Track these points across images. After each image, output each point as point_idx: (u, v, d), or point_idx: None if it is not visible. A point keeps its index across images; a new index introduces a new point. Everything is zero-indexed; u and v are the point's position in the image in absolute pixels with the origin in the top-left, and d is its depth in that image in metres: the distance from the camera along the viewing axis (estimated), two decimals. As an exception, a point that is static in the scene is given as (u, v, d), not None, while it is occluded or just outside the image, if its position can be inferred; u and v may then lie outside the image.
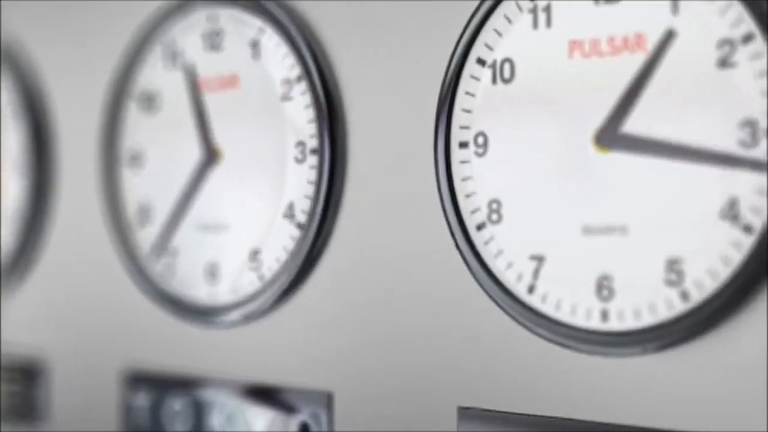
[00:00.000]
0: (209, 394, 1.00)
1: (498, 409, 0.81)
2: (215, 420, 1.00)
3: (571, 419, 0.77)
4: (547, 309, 0.78)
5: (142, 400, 1.06)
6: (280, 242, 0.94)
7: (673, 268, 0.72)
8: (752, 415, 0.70)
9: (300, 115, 0.92)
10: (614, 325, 0.74)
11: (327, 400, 0.90)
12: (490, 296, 0.80)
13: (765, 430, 0.68)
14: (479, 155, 0.82)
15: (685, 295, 0.71)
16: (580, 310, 0.76)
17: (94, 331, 1.08)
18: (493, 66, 0.81)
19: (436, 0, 0.85)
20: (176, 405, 1.03)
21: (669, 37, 0.72)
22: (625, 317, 0.74)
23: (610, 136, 0.75)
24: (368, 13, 0.90)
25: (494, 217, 0.80)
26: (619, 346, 0.74)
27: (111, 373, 1.09)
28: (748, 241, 0.69)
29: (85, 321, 1.11)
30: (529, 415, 0.79)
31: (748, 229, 0.69)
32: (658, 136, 0.73)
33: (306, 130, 0.92)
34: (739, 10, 0.69)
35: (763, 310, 0.69)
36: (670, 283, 0.72)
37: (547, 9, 0.78)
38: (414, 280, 0.86)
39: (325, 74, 0.92)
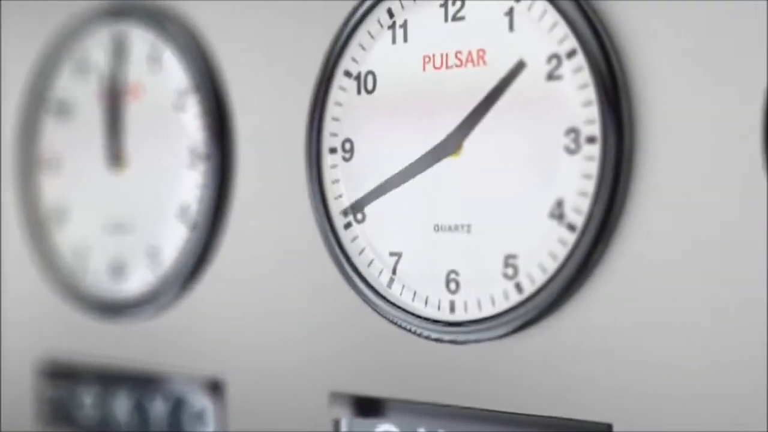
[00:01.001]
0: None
1: (374, 395, 0.87)
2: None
3: (427, 403, 0.84)
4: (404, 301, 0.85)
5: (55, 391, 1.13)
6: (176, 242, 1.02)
7: (509, 263, 0.79)
8: (580, 396, 0.77)
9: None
10: (461, 315, 0.81)
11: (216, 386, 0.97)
12: (355, 289, 0.87)
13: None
14: (346, 160, 0.88)
15: (519, 288, 0.78)
16: (432, 302, 0.83)
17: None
18: (357, 78, 0.88)
19: (306, 19, 0.93)
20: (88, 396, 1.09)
21: (519, 66, 0.79)
22: (469, 308, 0.81)
23: (457, 142, 0.81)
24: (256, 32, 0.97)
25: (359, 216, 0.87)
26: (464, 333, 0.81)
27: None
28: (572, 238, 0.76)
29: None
30: (392, 399, 0.86)
31: (571, 227, 0.76)
32: (499, 144, 0.80)
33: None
34: (565, 29, 0.76)
35: (588, 300, 0.76)
36: (507, 277, 0.79)
37: (404, 25, 0.85)
38: (287, 273, 0.94)
39: (216, 86, 0.99)
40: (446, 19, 0.83)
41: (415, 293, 0.84)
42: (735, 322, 0.70)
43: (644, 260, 0.74)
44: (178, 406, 1.02)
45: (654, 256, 0.73)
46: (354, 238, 0.88)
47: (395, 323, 0.85)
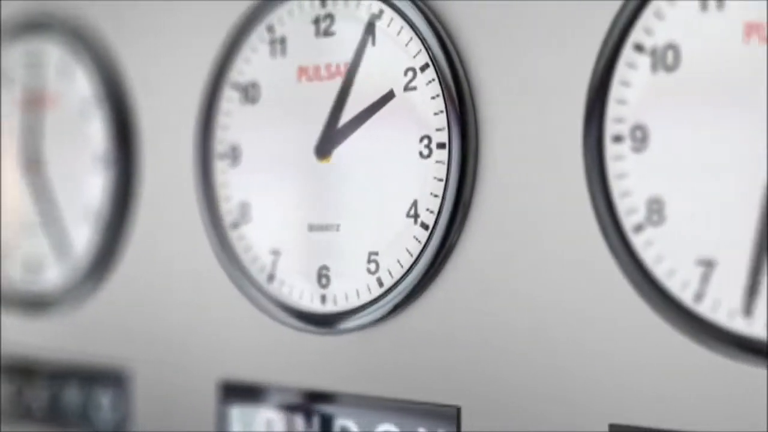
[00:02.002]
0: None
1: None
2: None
3: (305, 389, 0.91)
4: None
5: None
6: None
7: (372, 259, 0.86)
8: (440, 382, 0.83)
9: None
10: (330, 307, 0.89)
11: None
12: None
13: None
14: (232, 166, 0.95)
15: (380, 282, 0.85)
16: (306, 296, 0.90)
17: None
18: (245, 89, 0.95)
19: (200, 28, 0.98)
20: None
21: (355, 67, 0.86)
22: (338, 301, 0.88)
23: (325, 148, 0.89)
24: (157, 42, 1.04)
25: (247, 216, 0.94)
26: (334, 324, 0.88)
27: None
28: (425, 236, 0.83)
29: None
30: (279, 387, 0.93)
31: (425, 226, 0.83)
32: (361, 150, 0.87)
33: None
34: (419, 45, 0.83)
35: (442, 292, 0.83)
36: (370, 272, 0.86)
37: (283, 41, 0.92)
38: (183, 270, 1.01)
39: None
40: (317, 35, 0.90)
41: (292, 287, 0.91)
42: (573, 304, 0.77)
43: (490, 252, 0.81)
44: (89, 395, 1.09)
45: (498, 247, 0.81)
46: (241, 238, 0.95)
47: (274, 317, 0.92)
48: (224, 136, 0.96)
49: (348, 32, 0.88)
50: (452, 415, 0.82)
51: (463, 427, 0.81)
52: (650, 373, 0.73)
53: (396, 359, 0.86)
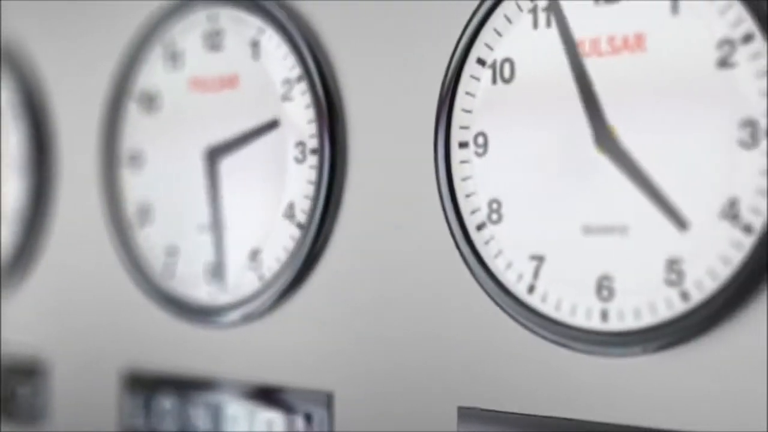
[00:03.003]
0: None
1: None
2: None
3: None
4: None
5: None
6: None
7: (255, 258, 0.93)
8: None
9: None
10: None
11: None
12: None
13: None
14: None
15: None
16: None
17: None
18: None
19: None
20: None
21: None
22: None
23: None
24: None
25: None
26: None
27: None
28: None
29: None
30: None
31: (300, 225, 0.90)
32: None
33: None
34: (294, 58, 0.90)
35: (316, 284, 0.90)
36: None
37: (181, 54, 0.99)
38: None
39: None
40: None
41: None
42: (424, 296, 0.83)
43: (357, 248, 0.87)
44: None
45: (364, 244, 0.87)
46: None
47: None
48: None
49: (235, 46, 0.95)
50: (324, 400, 0.88)
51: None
52: (493, 360, 0.79)
53: (276, 347, 0.92)
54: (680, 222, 0.70)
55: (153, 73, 1.02)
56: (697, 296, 0.69)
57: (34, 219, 1.13)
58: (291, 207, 0.90)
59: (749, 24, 0.68)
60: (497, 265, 0.78)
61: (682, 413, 0.70)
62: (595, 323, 0.73)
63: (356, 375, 0.87)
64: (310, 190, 0.89)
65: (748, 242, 0.67)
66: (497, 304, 0.78)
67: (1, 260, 1.16)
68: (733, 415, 0.68)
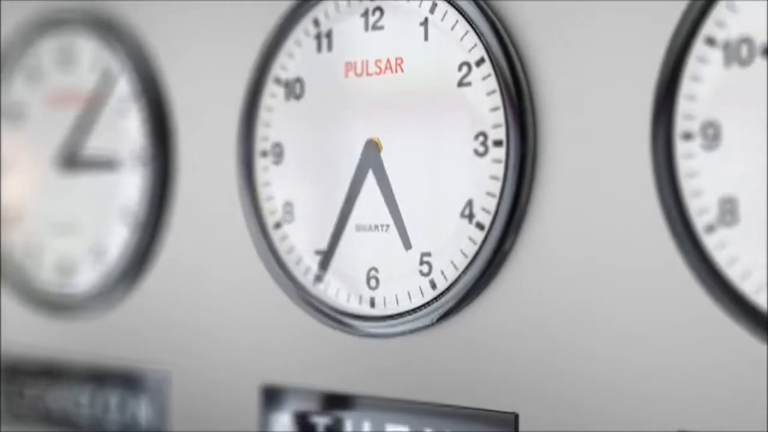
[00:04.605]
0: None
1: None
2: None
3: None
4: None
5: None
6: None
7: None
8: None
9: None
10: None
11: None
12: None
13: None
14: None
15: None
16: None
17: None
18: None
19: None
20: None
21: None
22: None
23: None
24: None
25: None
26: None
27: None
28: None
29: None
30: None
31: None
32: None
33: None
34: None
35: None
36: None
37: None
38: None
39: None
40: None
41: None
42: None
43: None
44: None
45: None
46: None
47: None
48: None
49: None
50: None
51: (519, 434, 0.79)
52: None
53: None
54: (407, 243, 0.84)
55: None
56: (443, 284, 0.82)
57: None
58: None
59: (480, 49, 0.80)
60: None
61: (438, 387, 0.83)
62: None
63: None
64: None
65: (480, 237, 0.80)
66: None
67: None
68: (476, 389, 0.81)
